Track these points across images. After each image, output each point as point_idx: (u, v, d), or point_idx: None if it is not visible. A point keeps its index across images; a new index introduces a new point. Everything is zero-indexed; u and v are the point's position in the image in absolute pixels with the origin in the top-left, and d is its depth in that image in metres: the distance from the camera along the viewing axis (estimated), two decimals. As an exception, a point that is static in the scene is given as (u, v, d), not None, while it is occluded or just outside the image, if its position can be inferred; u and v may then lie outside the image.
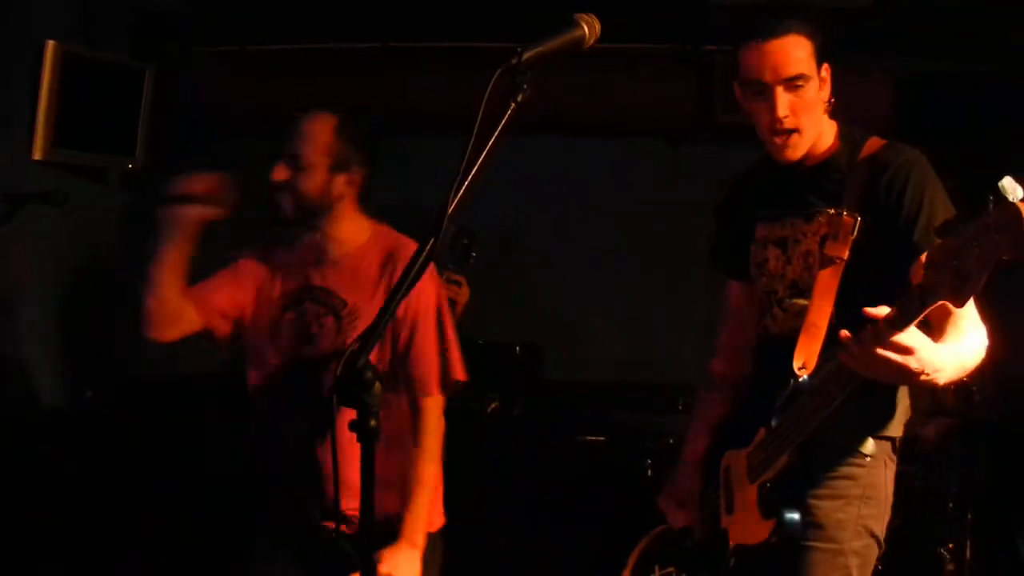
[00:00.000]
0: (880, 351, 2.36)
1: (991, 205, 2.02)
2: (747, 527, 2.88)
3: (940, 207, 2.68)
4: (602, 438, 5.33)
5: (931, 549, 4.19)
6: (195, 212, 3.11)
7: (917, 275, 2.51)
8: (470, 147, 1.90)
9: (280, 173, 3.15)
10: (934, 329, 2.54)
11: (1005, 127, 5.29)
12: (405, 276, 1.88)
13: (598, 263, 6.05)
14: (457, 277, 4.80)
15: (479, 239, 4.97)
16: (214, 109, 5.70)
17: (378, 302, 3.16)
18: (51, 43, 4.66)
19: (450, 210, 1.89)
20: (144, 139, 4.91)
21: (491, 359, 5.16)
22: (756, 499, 2.84)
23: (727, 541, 2.98)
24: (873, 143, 2.85)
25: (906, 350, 2.37)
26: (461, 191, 1.89)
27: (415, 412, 3.23)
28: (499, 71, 1.97)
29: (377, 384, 1.83)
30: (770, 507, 2.79)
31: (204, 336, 3.28)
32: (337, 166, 3.17)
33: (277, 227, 3.26)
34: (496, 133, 1.93)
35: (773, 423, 2.78)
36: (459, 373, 3.28)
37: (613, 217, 6.03)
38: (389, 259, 3.23)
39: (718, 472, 3.06)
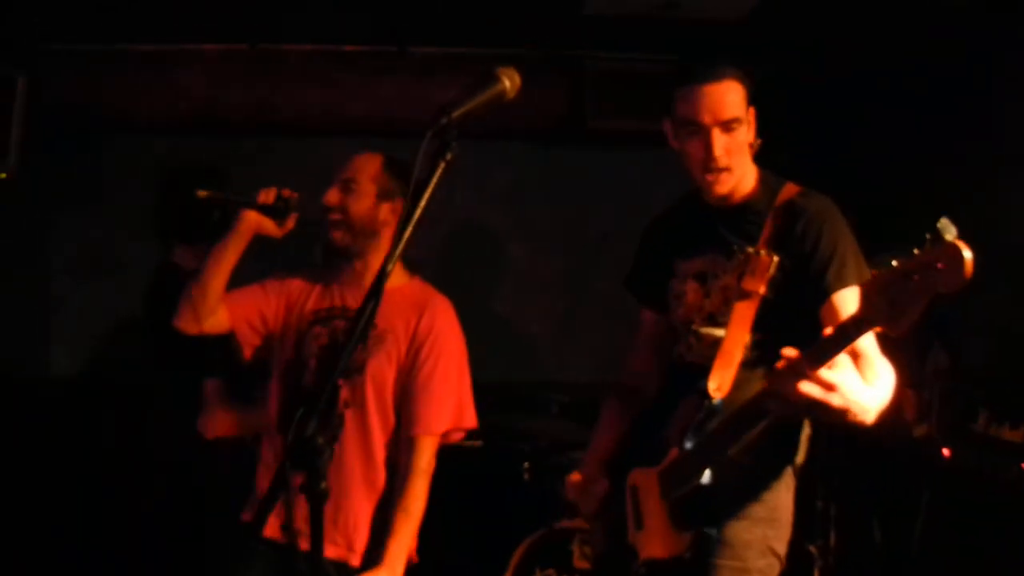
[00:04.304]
0: (802, 386, 2.47)
1: (929, 243, 2.17)
2: (660, 542, 3.03)
3: (851, 254, 2.89)
4: (477, 443, 5.37)
5: (801, 548, 4.36)
6: (259, 222, 3.39)
7: (828, 315, 2.75)
8: (407, 205, 1.94)
9: (333, 196, 3.43)
10: None
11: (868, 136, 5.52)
12: (352, 333, 1.91)
13: (471, 264, 6.08)
14: None
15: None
16: (72, 109, 5.56)
17: (403, 341, 3.42)
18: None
19: (390, 267, 1.92)
20: (17, 147, 4.77)
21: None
22: (669, 515, 2.98)
23: (633, 554, 3.11)
24: (789, 189, 3.05)
25: (828, 386, 2.49)
26: (400, 248, 1.93)
27: (408, 447, 3.39)
28: (429, 134, 2.06)
29: (327, 451, 1.87)
30: (685, 523, 2.94)
31: (230, 339, 3.51)
32: (383, 194, 3.44)
33: (328, 253, 3.49)
34: (428, 191, 1.97)
35: (687, 444, 2.93)
36: (470, 420, 3.52)
37: (486, 219, 6.11)
38: (421, 307, 3.46)
39: (621, 488, 3.20)
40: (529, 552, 4.73)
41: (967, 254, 2.12)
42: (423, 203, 2.00)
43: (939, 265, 2.15)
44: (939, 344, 4.84)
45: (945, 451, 4.58)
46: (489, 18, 5.18)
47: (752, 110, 3.02)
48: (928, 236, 2.17)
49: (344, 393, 3.36)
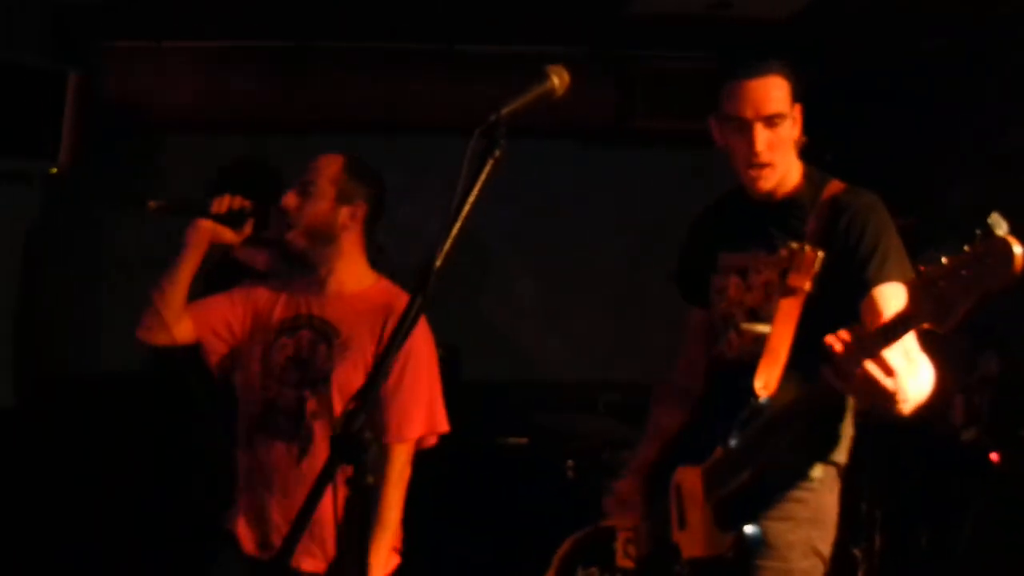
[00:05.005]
0: (867, 365, 2.42)
1: (979, 238, 2.13)
2: (703, 541, 3.02)
3: (894, 251, 2.86)
4: (523, 440, 5.38)
5: (846, 551, 4.34)
6: (215, 230, 3.31)
7: (867, 309, 2.72)
8: (454, 204, 1.95)
9: (290, 199, 3.34)
10: None
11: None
12: (396, 332, 1.93)
13: (515, 263, 6.10)
14: None
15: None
16: (133, 105, 5.64)
17: (369, 347, 3.30)
18: (-33, 47, 4.55)
19: (438, 264, 1.93)
20: (68, 143, 4.83)
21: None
22: (713, 515, 2.97)
23: (676, 554, 3.11)
24: (835, 185, 3.03)
25: (889, 370, 2.44)
26: (447, 246, 1.94)
27: (382, 456, 3.27)
28: (478, 132, 2.07)
29: (374, 445, 1.89)
30: (729, 523, 2.93)
31: (197, 349, 3.44)
32: (343, 197, 3.34)
33: (286, 258, 3.45)
34: (476, 189, 1.98)
35: (732, 443, 2.92)
36: (443, 424, 3.42)
37: (530, 218, 6.12)
38: (387, 309, 3.33)
39: (666, 487, 3.18)
40: (573, 550, 4.71)
41: (1017, 249, 2.08)
42: (471, 200, 2.00)
43: (989, 260, 2.12)
44: (990, 348, 4.80)
45: (994, 456, 4.55)
46: (537, 17, 5.20)
47: (799, 107, 3.00)
48: (978, 232, 2.13)
49: (311, 405, 3.30)
